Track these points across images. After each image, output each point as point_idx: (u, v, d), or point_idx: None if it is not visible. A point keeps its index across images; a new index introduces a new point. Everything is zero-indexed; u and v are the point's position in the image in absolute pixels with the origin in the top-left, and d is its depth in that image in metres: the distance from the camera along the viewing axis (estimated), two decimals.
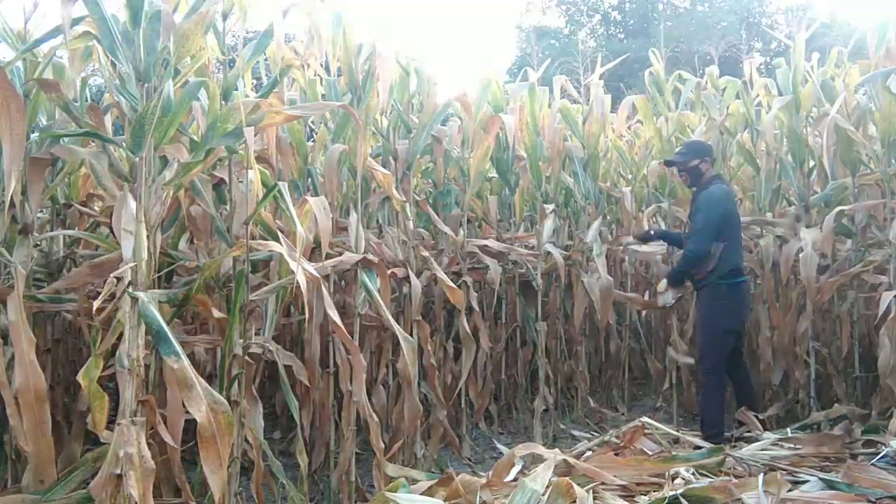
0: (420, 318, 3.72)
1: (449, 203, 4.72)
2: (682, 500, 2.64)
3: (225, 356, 2.68)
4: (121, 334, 2.18)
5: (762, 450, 3.49)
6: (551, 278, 4.96)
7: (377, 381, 3.81)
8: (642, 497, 2.80)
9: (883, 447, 3.32)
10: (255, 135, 2.80)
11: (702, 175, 4.27)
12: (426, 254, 3.93)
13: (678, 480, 2.90)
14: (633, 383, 5.69)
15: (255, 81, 4.03)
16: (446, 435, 3.92)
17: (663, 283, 4.52)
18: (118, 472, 2.04)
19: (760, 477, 2.76)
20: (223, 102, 2.77)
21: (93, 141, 2.69)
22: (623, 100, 5.93)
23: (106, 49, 2.31)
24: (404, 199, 3.72)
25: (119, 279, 2.10)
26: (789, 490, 2.76)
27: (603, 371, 5.59)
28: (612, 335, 5.42)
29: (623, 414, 5.10)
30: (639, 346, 5.71)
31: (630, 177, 5.89)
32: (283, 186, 2.63)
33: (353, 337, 3.17)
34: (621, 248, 5.28)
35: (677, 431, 3.96)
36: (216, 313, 2.70)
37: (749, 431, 3.97)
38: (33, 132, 2.73)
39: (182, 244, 3.25)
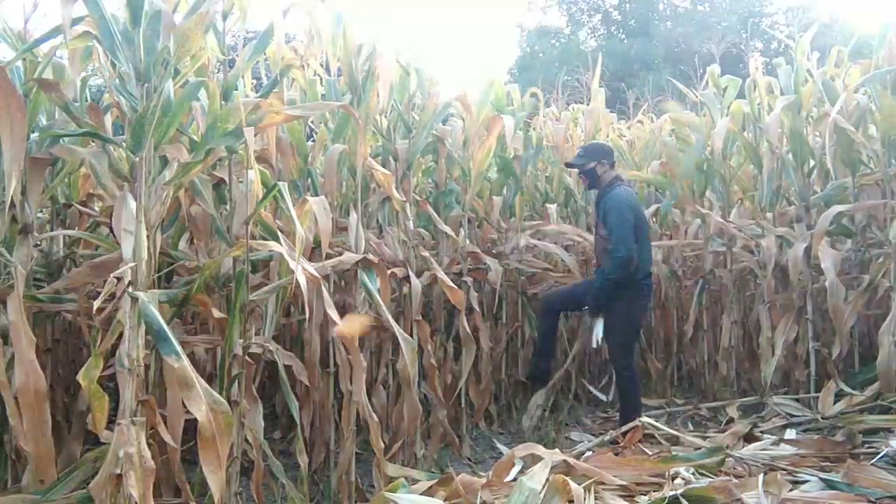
0: (420, 318, 3.71)
1: (451, 203, 4.72)
2: (682, 500, 2.64)
3: (225, 356, 2.68)
4: (121, 334, 2.18)
5: (762, 450, 3.49)
6: None
7: (377, 381, 3.80)
8: (642, 497, 2.79)
9: (883, 447, 3.32)
10: (255, 135, 2.80)
11: (598, 178, 4.33)
12: (426, 254, 3.93)
13: (678, 480, 2.89)
14: None
15: (255, 81, 4.03)
16: (446, 435, 3.92)
17: (599, 328, 4.32)
18: (118, 472, 2.04)
19: (760, 477, 2.76)
20: (223, 102, 2.77)
21: (93, 141, 2.68)
22: (624, 99, 5.96)
23: (106, 49, 2.31)
24: (404, 199, 3.72)
25: (119, 279, 2.10)
26: (790, 490, 2.76)
27: (603, 371, 5.58)
28: None
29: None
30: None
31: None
32: (283, 186, 2.63)
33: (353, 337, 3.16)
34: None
35: (677, 431, 3.96)
36: (216, 313, 2.70)
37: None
38: (33, 132, 2.73)
39: (182, 244, 3.25)
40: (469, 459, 4.07)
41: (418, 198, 4.22)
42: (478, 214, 4.87)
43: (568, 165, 4.69)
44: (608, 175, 4.34)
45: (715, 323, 5.42)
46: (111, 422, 2.16)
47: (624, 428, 3.75)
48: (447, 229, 4.26)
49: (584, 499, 2.58)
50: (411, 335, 3.58)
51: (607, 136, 5.59)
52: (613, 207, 4.14)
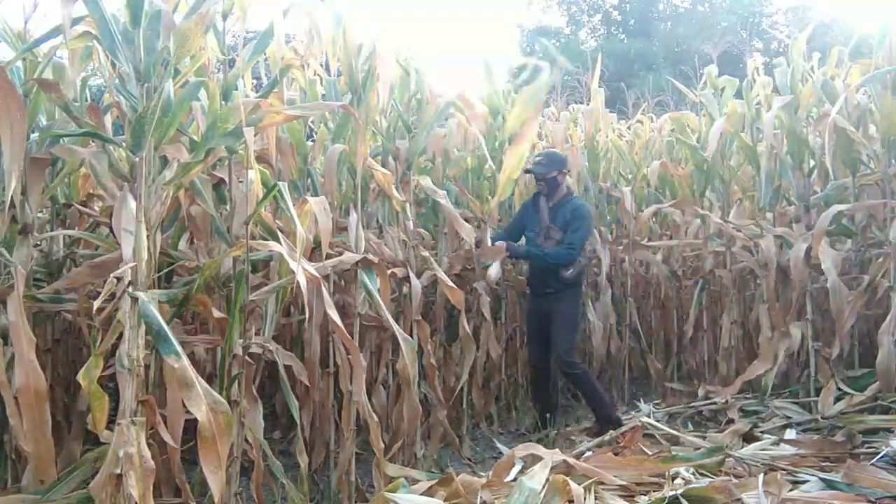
0: (420, 318, 3.72)
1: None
2: (682, 499, 2.64)
3: (225, 356, 2.68)
4: (121, 334, 2.18)
5: (762, 450, 3.49)
6: None
7: (377, 381, 3.81)
8: (642, 497, 2.79)
9: (883, 447, 3.32)
10: (255, 135, 2.80)
11: (558, 186, 4.43)
12: (426, 254, 3.93)
13: (678, 480, 2.89)
14: (633, 383, 5.69)
15: (255, 81, 4.03)
16: (446, 435, 3.92)
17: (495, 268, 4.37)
18: (118, 472, 2.04)
19: (761, 477, 2.76)
20: (223, 102, 2.77)
21: (93, 141, 2.68)
22: (624, 99, 5.96)
23: (106, 49, 2.31)
24: (404, 199, 3.72)
25: (119, 279, 2.10)
26: (790, 490, 2.76)
27: (603, 371, 5.58)
28: (612, 335, 5.41)
29: (623, 414, 5.09)
30: (639, 346, 5.71)
31: (630, 177, 5.89)
32: (283, 186, 2.63)
33: (353, 337, 3.16)
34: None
35: (677, 431, 3.97)
36: (216, 313, 2.70)
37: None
38: (33, 132, 2.73)
39: (182, 244, 3.25)
40: (469, 459, 4.07)
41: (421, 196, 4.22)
42: (476, 214, 4.87)
43: (528, 172, 4.49)
44: (565, 185, 4.50)
45: (715, 323, 5.43)
46: (111, 422, 2.16)
47: (624, 428, 3.76)
48: (464, 225, 4.15)
49: (584, 499, 2.58)
50: (411, 335, 3.58)
51: (607, 137, 5.59)
52: (583, 216, 4.39)
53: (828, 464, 3.21)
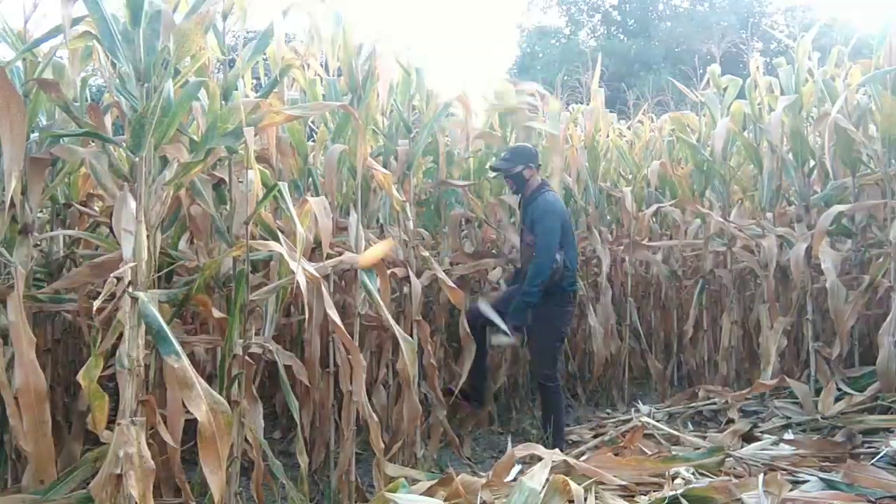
0: (420, 318, 3.72)
1: (451, 203, 4.72)
2: (682, 499, 2.64)
3: (225, 356, 2.68)
4: (121, 334, 2.18)
5: (762, 450, 3.49)
6: None
7: (377, 381, 3.81)
8: (642, 497, 2.79)
9: (883, 447, 3.32)
10: (255, 135, 2.80)
11: (525, 181, 4.17)
12: (426, 254, 3.93)
13: (678, 480, 2.89)
14: (633, 383, 5.69)
15: (255, 81, 4.03)
16: (446, 435, 3.92)
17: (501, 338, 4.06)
18: (118, 472, 2.04)
19: (761, 477, 2.76)
20: (223, 102, 2.77)
21: (93, 141, 2.69)
22: (624, 99, 5.95)
23: (106, 49, 2.31)
24: (404, 199, 3.72)
25: (119, 279, 2.10)
26: (790, 490, 2.76)
27: (603, 371, 5.58)
28: (612, 335, 5.41)
29: (623, 414, 5.09)
30: (639, 346, 5.71)
31: (630, 177, 5.89)
32: (283, 186, 2.63)
33: (353, 337, 3.16)
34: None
35: (677, 431, 3.96)
36: (216, 313, 2.70)
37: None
38: (33, 132, 2.73)
39: (182, 244, 3.25)
40: (469, 459, 4.06)
41: (424, 196, 4.22)
42: (477, 214, 4.88)
43: (493, 169, 4.37)
44: (535, 179, 4.19)
45: (715, 323, 5.42)
46: (111, 422, 2.16)
47: (624, 428, 3.76)
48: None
49: (584, 499, 2.58)
50: (411, 335, 3.58)
51: (607, 137, 5.58)
52: (542, 215, 4.03)
53: (828, 464, 3.21)
